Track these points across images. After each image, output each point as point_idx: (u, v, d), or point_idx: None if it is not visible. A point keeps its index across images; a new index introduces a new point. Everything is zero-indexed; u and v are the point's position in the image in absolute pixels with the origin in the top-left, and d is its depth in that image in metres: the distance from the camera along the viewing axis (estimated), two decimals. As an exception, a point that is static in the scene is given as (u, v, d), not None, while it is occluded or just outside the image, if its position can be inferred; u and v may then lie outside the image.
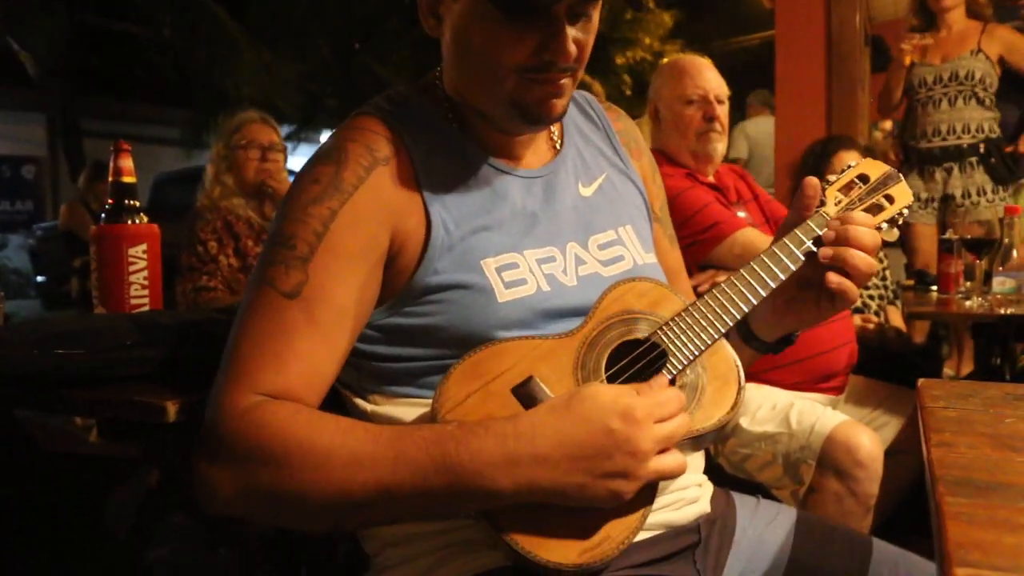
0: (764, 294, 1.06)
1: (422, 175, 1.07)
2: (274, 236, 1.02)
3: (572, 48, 1.01)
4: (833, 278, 1.05)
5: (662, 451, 0.91)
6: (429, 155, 1.09)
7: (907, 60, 4.11)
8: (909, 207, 1.15)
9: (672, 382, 1.00)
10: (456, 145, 1.12)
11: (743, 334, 1.17)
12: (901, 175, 1.16)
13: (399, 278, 1.05)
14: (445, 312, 1.03)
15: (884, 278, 3.31)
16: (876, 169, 1.16)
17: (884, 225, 1.13)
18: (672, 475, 0.92)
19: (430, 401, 0.98)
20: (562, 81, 1.04)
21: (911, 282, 3.41)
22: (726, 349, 1.07)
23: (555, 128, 1.23)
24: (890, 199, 1.13)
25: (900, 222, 1.14)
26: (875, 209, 1.13)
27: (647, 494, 0.93)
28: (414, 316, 1.05)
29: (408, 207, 1.05)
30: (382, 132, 1.08)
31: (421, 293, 1.04)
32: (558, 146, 1.21)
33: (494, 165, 1.13)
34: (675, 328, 1.03)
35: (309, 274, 0.99)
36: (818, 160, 3.11)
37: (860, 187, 1.14)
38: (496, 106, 1.07)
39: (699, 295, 1.08)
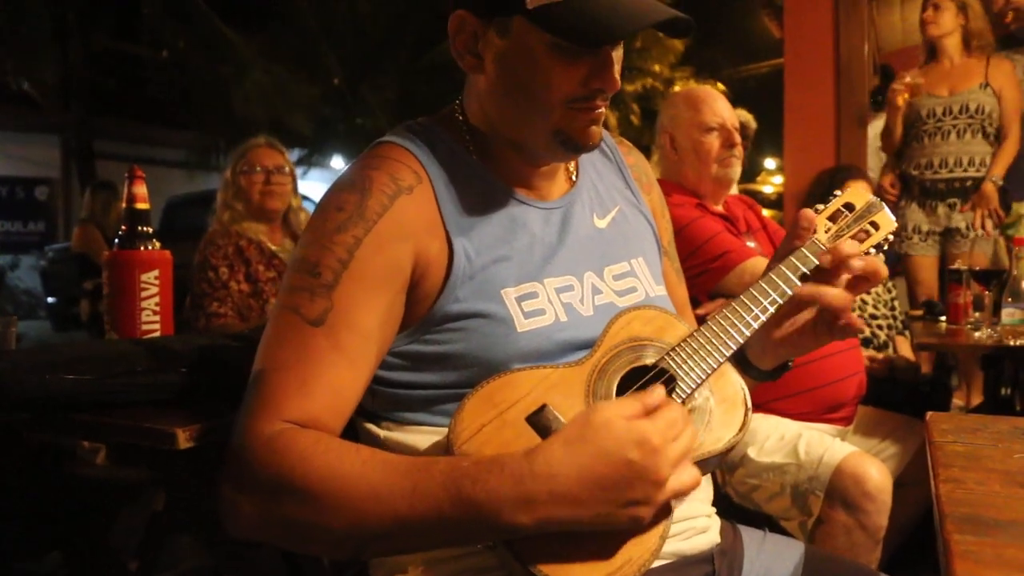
0: (764, 318, 1.09)
1: (444, 204, 1.08)
2: (298, 263, 1.04)
3: (618, 76, 1.06)
4: (843, 316, 1.09)
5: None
6: (451, 185, 1.10)
7: (899, 101, 4.12)
8: (893, 233, 1.19)
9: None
10: (477, 176, 1.14)
11: (740, 363, 1.18)
12: (884, 203, 1.20)
13: (421, 305, 1.06)
14: (465, 340, 1.05)
15: (893, 308, 3.30)
16: (860, 198, 1.20)
17: (871, 251, 1.18)
18: (689, 490, 0.91)
19: (443, 429, 0.99)
20: (601, 108, 1.08)
21: (920, 312, 3.40)
22: (731, 372, 1.10)
23: (571, 161, 1.24)
24: (875, 226, 1.18)
25: (885, 247, 1.19)
26: (862, 235, 1.17)
27: (664, 517, 0.93)
28: (434, 344, 1.06)
29: (430, 235, 1.06)
30: (405, 161, 1.10)
31: (441, 321, 1.05)
32: (574, 178, 1.23)
33: (514, 196, 1.15)
34: (682, 353, 1.05)
35: (334, 301, 1.00)
36: (827, 192, 3.11)
37: (847, 215, 1.18)
38: (538, 137, 1.09)
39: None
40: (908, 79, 4.10)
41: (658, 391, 0.92)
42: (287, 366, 0.98)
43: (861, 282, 1.11)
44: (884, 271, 1.11)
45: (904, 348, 3.25)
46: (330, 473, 0.90)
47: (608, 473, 0.85)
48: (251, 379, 1.00)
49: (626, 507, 0.87)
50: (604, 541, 0.91)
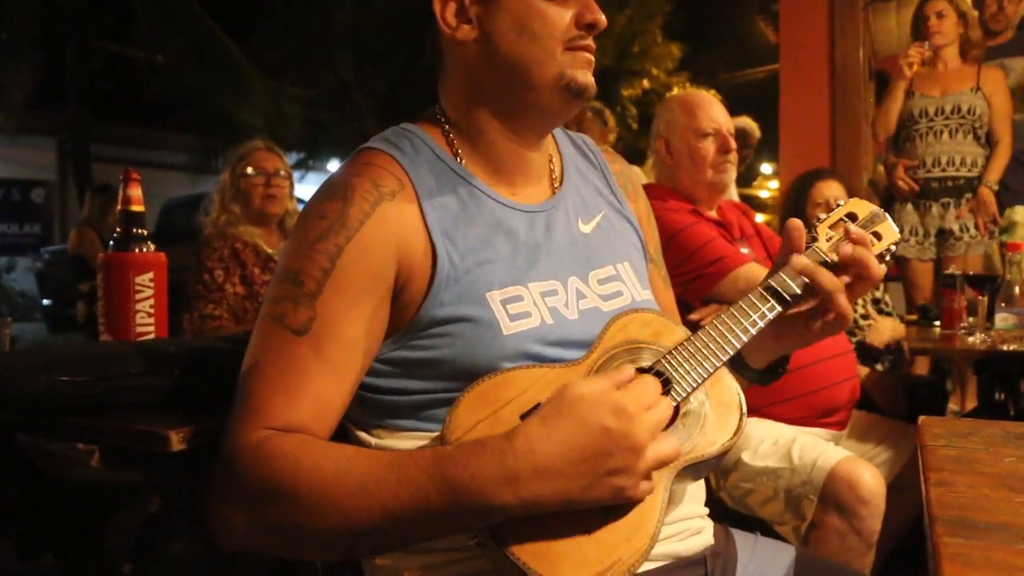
0: (762, 324, 1.10)
1: (427, 209, 1.08)
2: (282, 272, 1.04)
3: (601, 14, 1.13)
4: (839, 301, 1.10)
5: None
6: (433, 189, 1.11)
7: (908, 72, 4.14)
8: (896, 244, 1.20)
9: (676, 410, 1.02)
10: (460, 179, 1.14)
11: (734, 363, 1.18)
12: (887, 214, 1.21)
13: (406, 311, 1.06)
14: (451, 345, 1.04)
15: (878, 301, 3.27)
16: (863, 208, 1.21)
17: None
18: (669, 460, 0.93)
19: (433, 434, 0.99)
20: (593, 48, 1.14)
21: (914, 317, 3.40)
22: (728, 377, 1.10)
23: (555, 166, 1.25)
24: (878, 236, 1.19)
25: (887, 258, 1.19)
26: None
27: (654, 517, 0.94)
28: (420, 349, 1.06)
29: (414, 241, 1.06)
30: (387, 167, 1.10)
31: (427, 326, 1.05)
32: (558, 183, 1.23)
33: (498, 199, 1.15)
34: (678, 357, 1.05)
35: (317, 310, 1.00)
36: (798, 196, 3.13)
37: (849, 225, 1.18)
38: (543, 88, 1.12)
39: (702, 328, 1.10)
40: (924, 47, 4.13)
41: (627, 369, 0.95)
42: (272, 376, 0.98)
43: (857, 281, 1.12)
44: (878, 271, 1.12)
45: (884, 326, 3.16)
46: (316, 473, 0.91)
47: (587, 443, 0.87)
48: (237, 389, 1.00)
49: (608, 476, 0.88)
50: (593, 541, 0.91)
